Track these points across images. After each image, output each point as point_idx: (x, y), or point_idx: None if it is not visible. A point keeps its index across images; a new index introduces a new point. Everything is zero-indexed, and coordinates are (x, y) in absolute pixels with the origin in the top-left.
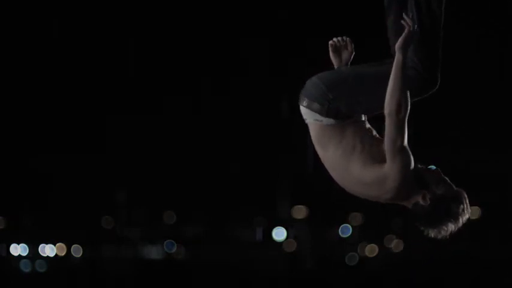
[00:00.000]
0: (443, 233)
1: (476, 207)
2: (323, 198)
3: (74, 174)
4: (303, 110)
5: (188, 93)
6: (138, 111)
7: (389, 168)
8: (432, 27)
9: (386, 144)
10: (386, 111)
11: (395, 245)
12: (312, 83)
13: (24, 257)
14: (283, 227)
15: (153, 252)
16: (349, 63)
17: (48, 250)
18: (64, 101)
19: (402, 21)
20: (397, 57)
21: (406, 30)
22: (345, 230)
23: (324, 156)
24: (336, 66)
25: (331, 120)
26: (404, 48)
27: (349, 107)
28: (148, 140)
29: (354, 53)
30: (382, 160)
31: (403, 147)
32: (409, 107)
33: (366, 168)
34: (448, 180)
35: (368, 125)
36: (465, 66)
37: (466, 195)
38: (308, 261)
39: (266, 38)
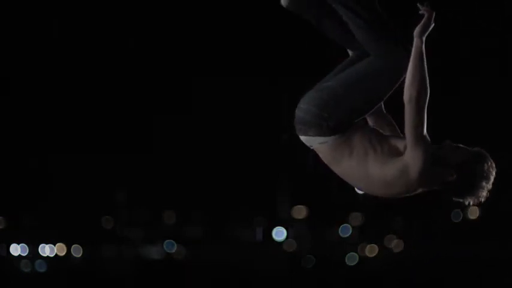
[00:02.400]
0: (482, 195)
1: (476, 207)
2: (323, 198)
3: (74, 174)
4: (304, 138)
5: (188, 94)
6: (138, 112)
7: (410, 157)
8: (374, 15)
9: (407, 132)
10: (406, 98)
11: (395, 245)
12: (301, 110)
13: (24, 257)
14: (283, 227)
15: (153, 252)
16: None
17: (48, 250)
18: (63, 101)
19: (420, 12)
20: (416, 43)
21: (425, 17)
22: (345, 230)
23: (342, 172)
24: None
25: (335, 137)
26: (423, 34)
27: (348, 116)
28: (148, 140)
29: None
30: (397, 154)
31: (424, 134)
32: (428, 93)
33: (385, 166)
34: (462, 145)
35: (370, 126)
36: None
37: (485, 152)
38: (308, 261)
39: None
